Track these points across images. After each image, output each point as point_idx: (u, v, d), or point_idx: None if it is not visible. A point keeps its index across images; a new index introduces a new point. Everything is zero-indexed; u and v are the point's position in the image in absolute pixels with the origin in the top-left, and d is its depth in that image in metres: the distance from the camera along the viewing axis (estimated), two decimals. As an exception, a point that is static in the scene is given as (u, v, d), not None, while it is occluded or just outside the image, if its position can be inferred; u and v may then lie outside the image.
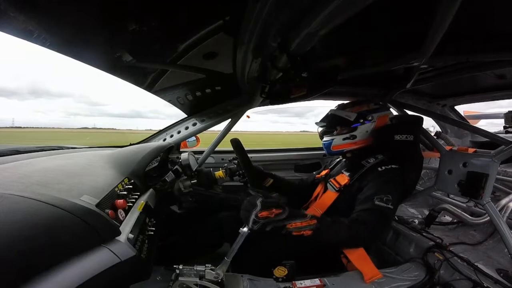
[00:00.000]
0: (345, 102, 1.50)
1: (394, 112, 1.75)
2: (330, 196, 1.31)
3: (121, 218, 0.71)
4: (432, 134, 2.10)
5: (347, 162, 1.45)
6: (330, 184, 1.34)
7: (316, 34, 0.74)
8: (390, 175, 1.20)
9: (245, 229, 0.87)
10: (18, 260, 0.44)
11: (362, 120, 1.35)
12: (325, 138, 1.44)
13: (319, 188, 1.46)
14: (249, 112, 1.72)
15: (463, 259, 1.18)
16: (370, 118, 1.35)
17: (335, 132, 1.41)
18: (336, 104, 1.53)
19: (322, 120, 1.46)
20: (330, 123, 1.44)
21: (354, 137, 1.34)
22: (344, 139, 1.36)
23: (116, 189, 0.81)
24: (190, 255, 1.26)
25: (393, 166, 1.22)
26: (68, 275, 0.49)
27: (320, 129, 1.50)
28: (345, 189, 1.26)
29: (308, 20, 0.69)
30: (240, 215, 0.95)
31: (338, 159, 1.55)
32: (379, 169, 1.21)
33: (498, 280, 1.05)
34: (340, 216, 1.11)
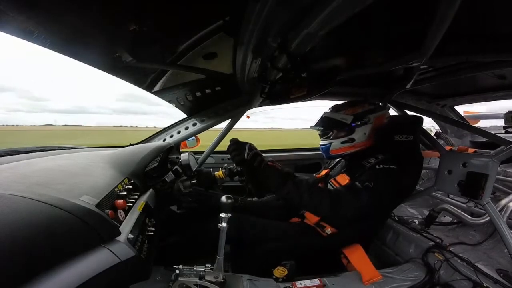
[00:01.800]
0: (339, 103, 1.47)
1: (393, 112, 1.76)
2: None
3: (121, 219, 0.71)
4: (432, 134, 2.10)
5: (347, 162, 1.44)
6: (331, 185, 1.34)
7: (316, 34, 0.74)
8: (384, 173, 1.19)
9: (224, 224, 0.92)
10: (18, 260, 0.43)
11: (359, 122, 1.32)
12: (322, 142, 1.42)
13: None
14: (248, 112, 1.73)
15: (463, 259, 1.17)
16: (366, 119, 1.33)
17: (331, 135, 1.38)
18: (330, 106, 1.48)
19: (317, 124, 1.43)
20: (326, 126, 1.41)
21: (353, 140, 1.33)
22: (342, 142, 1.34)
23: (116, 189, 0.81)
24: (190, 255, 1.25)
25: (391, 166, 1.20)
26: (68, 276, 0.49)
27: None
28: None
29: (308, 20, 0.69)
30: (231, 157, 1.15)
31: (338, 159, 1.55)
32: (377, 166, 1.21)
33: (498, 280, 1.05)
34: (342, 219, 1.12)
